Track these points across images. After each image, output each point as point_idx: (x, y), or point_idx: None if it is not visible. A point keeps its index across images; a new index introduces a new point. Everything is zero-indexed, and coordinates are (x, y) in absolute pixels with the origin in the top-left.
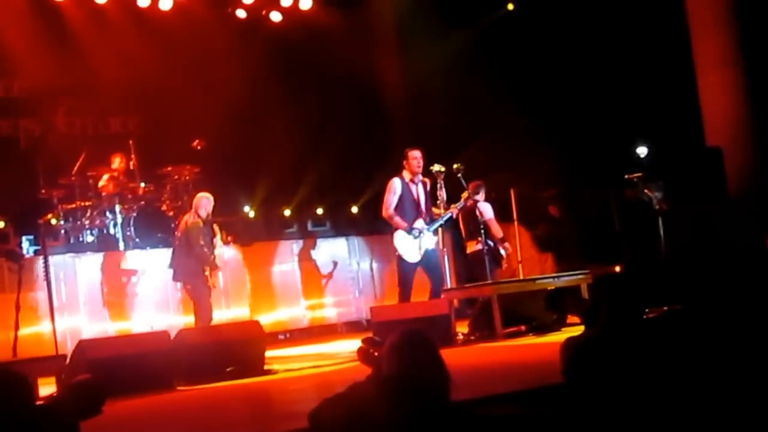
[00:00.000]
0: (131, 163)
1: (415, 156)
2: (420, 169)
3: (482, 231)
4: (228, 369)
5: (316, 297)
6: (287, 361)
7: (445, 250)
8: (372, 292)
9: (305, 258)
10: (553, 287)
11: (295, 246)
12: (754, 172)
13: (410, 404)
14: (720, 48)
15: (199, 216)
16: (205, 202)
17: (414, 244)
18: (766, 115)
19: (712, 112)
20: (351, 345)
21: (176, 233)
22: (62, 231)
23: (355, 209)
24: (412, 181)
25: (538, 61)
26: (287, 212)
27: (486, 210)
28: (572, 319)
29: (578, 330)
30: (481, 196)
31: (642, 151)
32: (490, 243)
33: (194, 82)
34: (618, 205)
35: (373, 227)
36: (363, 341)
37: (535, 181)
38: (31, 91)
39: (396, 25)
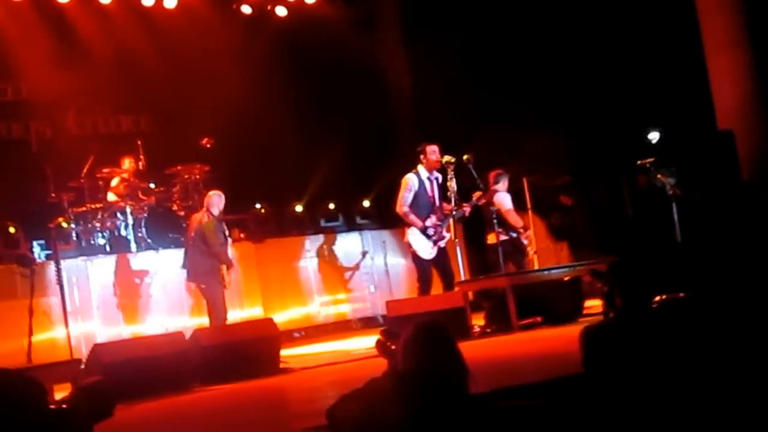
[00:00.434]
0: (140, 163)
1: (434, 150)
2: (438, 165)
3: (496, 221)
4: (243, 369)
5: (330, 293)
6: (303, 359)
7: (457, 242)
8: (387, 286)
9: (318, 254)
10: (568, 277)
11: (308, 242)
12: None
13: (427, 399)
14: (727, 29)
15: (212, 214)
16: (216, 200)
17: (428, 241)
18: None
19: (722, 95)
20: (366, 341)
21: (188, 233)
22: (73, 234)
23: (366, 203)
24: (428, 177)
25: (546, 47)
26: (299, 208)
27: (504, 200)
28: (588, 308)
29: (595, 319)
30: (502, 185)
31: (654, 136)
32: (513, 233)
33: (201, 79)
34: (631, 192)
35: (386, 221)
36: (381, 333)
37: (547, 170)
38: (40, 93)
39: (401, 17)
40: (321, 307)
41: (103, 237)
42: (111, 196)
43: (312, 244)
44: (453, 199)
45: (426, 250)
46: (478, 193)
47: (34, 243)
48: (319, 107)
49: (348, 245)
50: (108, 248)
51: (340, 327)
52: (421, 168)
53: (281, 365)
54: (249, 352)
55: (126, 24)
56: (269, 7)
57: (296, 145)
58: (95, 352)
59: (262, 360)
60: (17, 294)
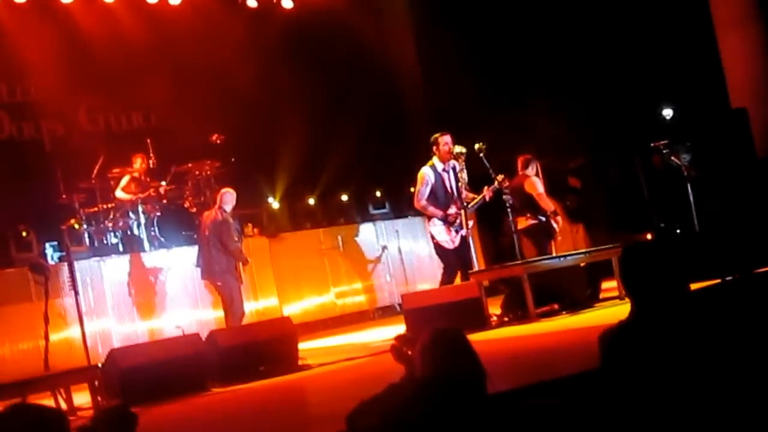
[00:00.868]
0: (151, 162)
1: (447, 141)
2: (452, 155)
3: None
4: (261, 368)
5: (345, 284)
6: (320, 354)
7: (470, 231)
8: (402, 275)
9: (333, 246)
10: (583, 263)
11: (322, 234)
12: None
13: (447, 404)
14: (738, 4)
15: (225, 211)
16: (229, 197)
17: (451, 231)
18: None
19: (734, 72)
20: (384, 332)
21: (201, 230)
22: (85, 235)
23: (379, 193)
24: (444, 168)
25: (557, 28)
26: (311, 201)
27: (536, 184)
28: (605, 293)
29: (611, 306)
30: (531, 170)
31: (667, 113)
32: (542, 218)
33: (210, 75)
34: (646, 173)
35: (399, 210)
36: (396, 339)
37: (560, 153)
38: (49, 92)
39: (409, 5)
40: (337, 298)
41: (116, 237)
42: (122, 195)
43: (326, 236)
44: (465, 190)
45: (449, 240)
46: (500, 176)
47: (47, 245)
48: (329, 99)
49: (362, 236)
50: (121, 248)
51: (358, 317)
52: (435, 160)
53: (299, 362)
54: (266, 351)
55: (132, 20)
56: (275, 0)
57: (307, 138)
58: (112, 357)
59: (280, 359)
60: (32, 297)
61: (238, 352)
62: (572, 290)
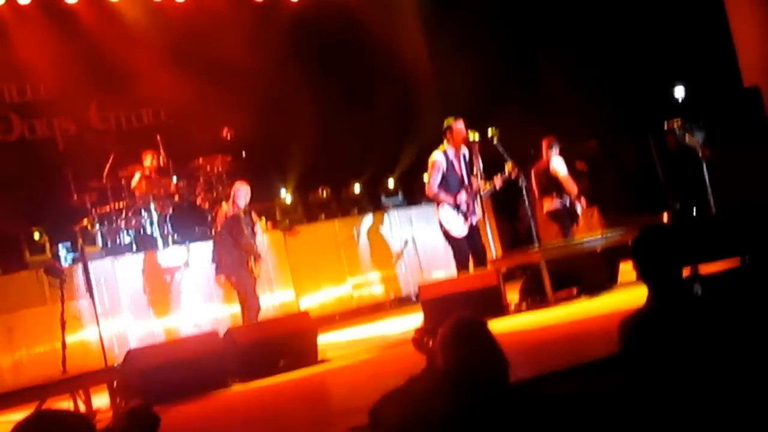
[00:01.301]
0: (161, 159)
1: (460, 128)
2: (465, 141)
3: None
4: (281, 363)
5: (361, 275)
6: (340, 348)
7: (486, 218)
8: (417, 264)
9: (347, 237)
10: (600, 248)
11: (337, 225)
12: None
13: (470, 394)
14: None
15: (237, 206)
16: (243, 192)
17: (460, 218)
18: None
19: (746, 50)
20: (401, 322)
21: (215, 226)
22: (98, 235)
23: (391, 182)
24: (455, 154)
25: (565, 10)
26: (324, 193)
27: (560, 166)
28: (623, 276)
29: (630, 288)
30: (555, 151)
31: (679, 92)
32: (567, 200)
33: (218, 70)
34: (660, 153)
35: (412, 198)
36: (416, 331)
37: (573, 136)
38: (59, 91)
39: None
40: (354, 289)
41: (129, 236)
42: (134, 193)
43: (340, 227)
44: (479, 177)
45: (458, 227)
46: (510, 164)
47: (60, 246)
48: (339, 89)
49: (376, 226)
50: (134, 247)
51: (374, 309)
52: (447, 146)
53: (319, 357)
54: (286, 346)
55: (139, 17)
56: None
57: (317, 129)
58: (130, 358)
59: (299, 354)
60: (46, 300)
61: (257, 349)
62: (590, 274)
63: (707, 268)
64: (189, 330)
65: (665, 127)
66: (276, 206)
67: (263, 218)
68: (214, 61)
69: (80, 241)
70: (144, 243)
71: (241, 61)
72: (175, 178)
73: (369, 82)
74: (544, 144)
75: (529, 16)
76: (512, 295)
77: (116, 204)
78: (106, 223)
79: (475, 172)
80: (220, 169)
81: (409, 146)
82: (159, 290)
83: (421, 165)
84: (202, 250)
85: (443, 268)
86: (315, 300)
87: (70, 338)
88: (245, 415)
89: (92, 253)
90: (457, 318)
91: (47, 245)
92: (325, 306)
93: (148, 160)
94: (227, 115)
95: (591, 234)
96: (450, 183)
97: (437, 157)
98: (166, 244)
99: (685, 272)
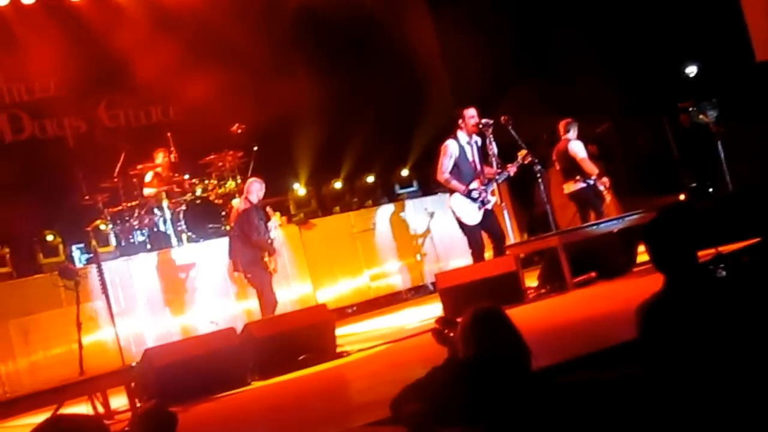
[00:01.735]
0: (173, 156)
1: (472, 114)
2: (477, 128)
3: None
4: (300, 358)
5: (378, 266)
6: (358, 339)
7: (504, 205)
8: (434, 254)
9: (363, 228)
10: (617, 230)
11: (352, 217)
12: None
13: (493, 383)
14: None
15: (250, 201)
16: (256, 186)
17: (473, 206)
18: None
19: (757, 24)
20: (418, 312)
21: (230, 222)
22: (112, 235)
23: (405, 172)
24: (467, 142)
25: None
26: (337, 185)
27: (579, 149)
28: (642, 258)
29: (648, 271)
30: (572, 134)
31: (691, 70)
32: (590, 181)
33: (225, 65)
34: (674, 133)
35: (426, 188)
36: (436, 321)
37: (586, 117)
38: (68, 89)
39: None
40: (371, 281)
41: (143, 235)
42: (146, 192)
43: (355, 219)
44: (495, 163)
45: (471, 215)
46: (523, 152)
47: (73, 248)
48: (348, 80)
49: (391, 216)
50: (148, 245)
51: (391, 299)
52: (460, 133)
53: (338, 349)
54: (304, 340)
55: (143, 15)
56: None
57: (329, 121)
58: (147, 357)
59: (318, 347)
60: (62, 303)
61: (275, 343)
62: (608, 257)
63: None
64: (206, 327)
65: (678, 106)
66: (290, 200)
67: (278, 213)
68: (221, 55)
69: (93, 241)
70: (158, 241)
71: (249, 54)
72: (187, 175)
73: (378, 71)
74: (561, 126)
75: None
76: (531, 281)
77: (128, 203)
78: (119, 222)
79: (488, 159)
80: (231, 164)
81: (421, 135)
82: (174, 288)
83: (434, 153)
84: (217, 247)
85: (460, 256)
86: (332, 292)
87: (87, 339)
88: (265, 411)
89: (106, 254)
90: (476, 308)
91: (60, 247)
92: (343, 298)
93: (159, 158)
94: (237, 110)
95: (607, 217)
96: (462, 170)
97: (449, 143)
98: (180, 241)
99: (707, 253)
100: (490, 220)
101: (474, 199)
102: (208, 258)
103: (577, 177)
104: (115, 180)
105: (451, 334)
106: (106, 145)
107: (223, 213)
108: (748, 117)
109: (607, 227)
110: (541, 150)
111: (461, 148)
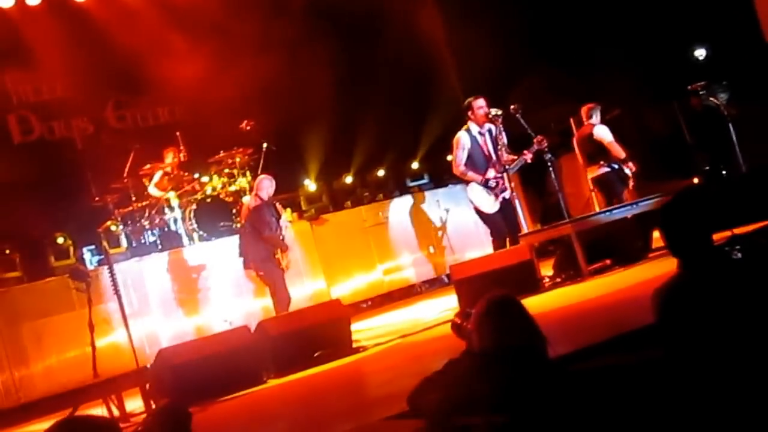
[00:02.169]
0: (182, 155)
1: (481, 105)
2: (487, 119)
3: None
4: (316, 354)
5: (391, 260)
6: (373, 334)
7: (515, 195)
8: (447, 244)
9: (375, 222)
10: (630, 216)
11: (363, 211)
12: None
13: (511, 373)
14: None
15: (260, 198)
16: (266, 183)
17: (491, 194)
18: None
19: (765, 6)
20: (433, 305)
21: (240, 220)
22: (123, 236)
23: (415, 164)
24: (479, 132)
25: None
26: (348, 179)
27: (605, 133)
28: (657, 243)
29: (663, 256)
30: (596, 119)
31: (700, 53)
32: (614, 165)
33: (232, 61)
34: (686, 116)
35: (438, 179)
36: (455, 315)
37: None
38: (75, 90)
39: None
40: (384, 275)
41: (154, 235)
42: (156, 192)
43: (367, 213)
44: (505, 153)
45: (489, 204)
46: (538, 137)
47: (84, 249)
48: (356, 74)
49: (402, 209)
50: (160, 245)
51: (406, 293)
52: (471, 124)
53: (354, 344)
54: (319, 336)
55: (150, 14)
56: None
57: (337, 115)
58: (161, 357)
59: (333, 343)
60: (74, 305)
61: (290, 340)
62: (623, 244)
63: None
64: (220, 326)
65: (689, 90)
66: (301, 196)
67: (288, 209)
68: (229, 52)
69: (104, 243)
70: (169, 241)
71: (256, 50)
72: (197, 174)
73: (386, 64)
74: (584, 111)
75: None
76: (546, 270)
77: (139, 203)
78: (129, 223)
79: (500, 148)
80: (241, 161)
81: (431, 127)
82: (187, 288)
83: (445, 145)
84: (229, 245)
85: (474, 247)
86: (346, 288)
87: (101, 342)
88: (282, 408)
89: (117, 255)
90: (488, 296)
91: (71, 249)
92: (357, 293)
93: (169, 158)
94: (246, 107)
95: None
96: (476, 160)
97: (460, 134)
98: (191, 240)
99: (722, 235)
100: (506, 209)
101: (491, 188)
102: (221, 256)
103: (601, 161)
104: (125, 180)
105: (470, 327)
106: (114, 146)
107: (234, 211)
108: (759, 98)
109: (620, 213)
110: (550, 139)
111: (473, 138)
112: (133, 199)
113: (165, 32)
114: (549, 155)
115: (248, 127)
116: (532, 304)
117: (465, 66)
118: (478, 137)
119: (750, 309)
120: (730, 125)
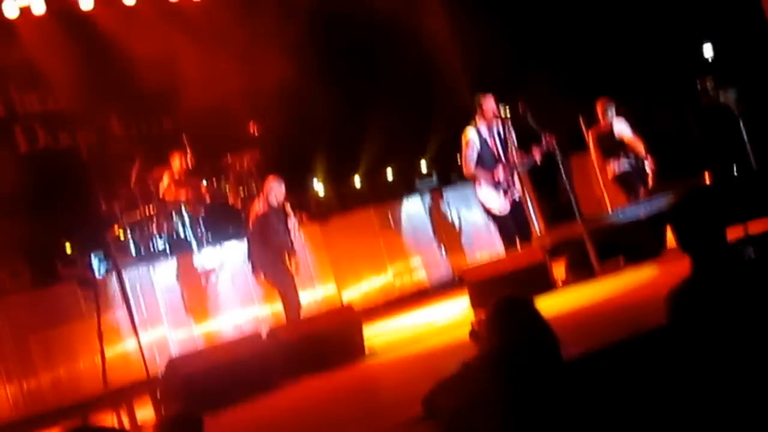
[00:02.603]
0: (189, 160)
1: (489, 103)
2: (496, 116)
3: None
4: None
5: (401, 262)
6: (386, 338)
7: (525, 194)
8: (458, 246)
9: (384, 224)
10: (645, 215)
11: (373, 213)
12: None
13: (525, 374)
14: None
15: (268, 203)
16: (275, 186)
17: (500, 194)
18: None
19: None
20: (444, 307)
21: (248, 224)
22: (131, 243)
23: (424, 165)
24: (488, 131)
25: None
26: (357, 180)
27: (623, 128)
28: (670, 242)
29: (676, 255)
30: (611, 113)
31: (708, 50)
32: (633, 160)
33: (237, 65)
34: (694, 114)
35: (446, 179)
36: (473, 323)
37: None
38: (79, 100)
39: None
40: (395, 277)
41: (162, 241)
42: (164, 197)
43: (376, 214)
44: (514, 152)
45: (499, 204)
46: (549, 136)
47: (92, 257)
48: (362, 75)
49: (412, 210)
50: (168, 252)
51: (417, 295)
52: (478, 122)
53: (366, 350)
54: (331, 342)
55: (154, 21)
56: None
57: (344, 116)
58: (172, 366)
59: (346, 348)
60: (83, 314)
61: (302, 346)
62: (636, 242)
63: (756, 227)
64: (230, 333)
65: (697, 88)
66: (309, 198)
67: (297, 212)
68: (233, 54)
69: (112, 250)
70: (178, 247)
71: (260, 52)
72: (204, 180)
73: (393, 65)
74: (599, 107)
75: None
76: (558, 271)
77: (146, 209)
78: (137, 230)
79: (510, 148)
80: (249, 165)
81: (438, 127)
82: (197, 295)
83: (453, 145)
84: (238, 250)
85: (484, 248)
86: (357, 291)
87: (110, 352)
88: (296, 414)
89: (126, 262)
90: (499, 297)
91: (79, 257)
92: (368, 297)
93: (176, 163)
94: (252, 111)
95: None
96: (485, 160)
97: (470, 135)
98: (200, 246)
99: (734, 234)
100: (516, 210)
101: (501, 188)
102: (230, 262)
103: (620, 156)
104: (132, 187)
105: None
106: (119, 155)
107: (243, 215)
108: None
109: (633, 212)
110: (558, 138)
111: (482, 137)
112: (141, 205)
113: (169, 40)
114: (559, 154)
115: (255, 130)
116: (546, 304)
117: (473, 64)
118: (487, 137)
119: (763, 310)
120: (740, 121)
